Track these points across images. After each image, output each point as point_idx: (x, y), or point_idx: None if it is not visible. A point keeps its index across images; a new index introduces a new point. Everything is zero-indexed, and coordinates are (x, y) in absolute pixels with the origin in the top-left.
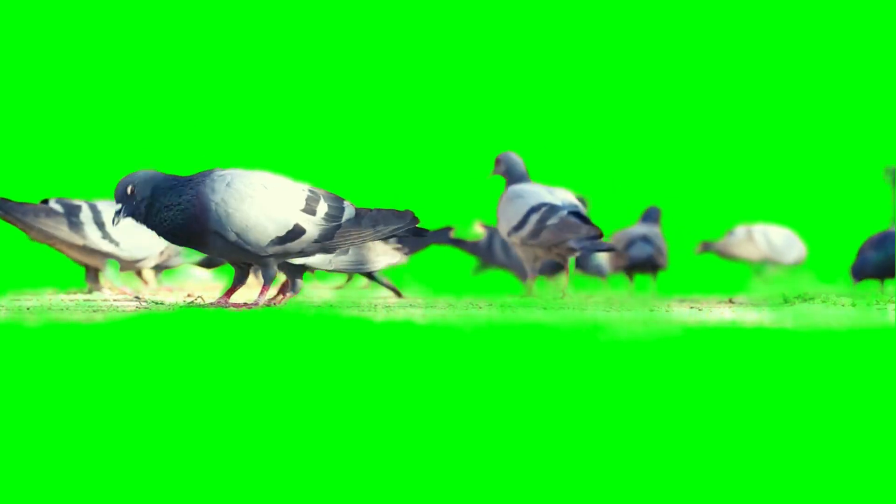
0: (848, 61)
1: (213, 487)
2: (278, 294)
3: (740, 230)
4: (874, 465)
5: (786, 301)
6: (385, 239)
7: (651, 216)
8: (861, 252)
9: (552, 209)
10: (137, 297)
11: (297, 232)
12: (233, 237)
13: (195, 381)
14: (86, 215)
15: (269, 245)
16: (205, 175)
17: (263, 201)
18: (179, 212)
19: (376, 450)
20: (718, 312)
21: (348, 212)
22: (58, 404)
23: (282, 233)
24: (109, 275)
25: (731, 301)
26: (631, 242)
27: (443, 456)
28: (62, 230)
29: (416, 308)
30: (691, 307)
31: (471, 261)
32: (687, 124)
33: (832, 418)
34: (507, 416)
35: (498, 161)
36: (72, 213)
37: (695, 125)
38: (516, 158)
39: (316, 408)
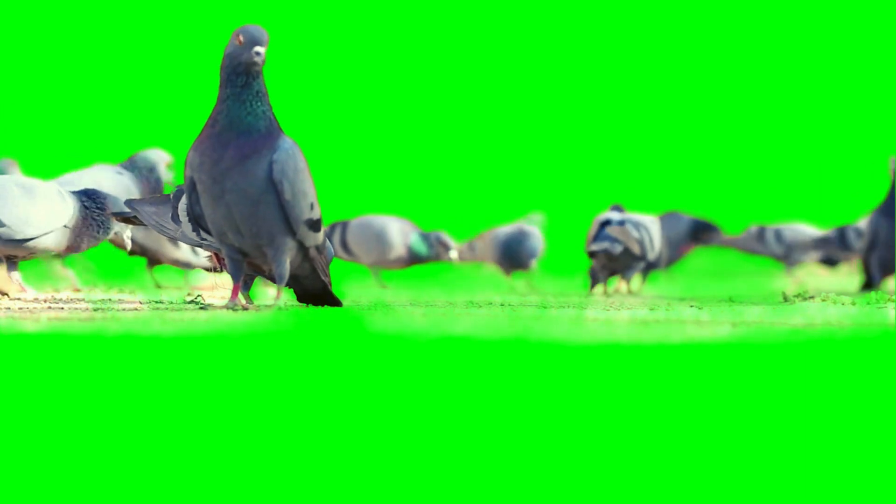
0: (863, 57)
1: (210, 489)
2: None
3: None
4: (874, 471)
5: (786, 300)
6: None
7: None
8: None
9: None
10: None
11: (318, 224)
12: (287, 196)
13: (197, 383)
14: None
15: (301, 224)
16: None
17: (311, 178)
18: (263, 112)
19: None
20: (718, 311)
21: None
22: (61, 405)
23: (314, 217)
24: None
25: (730, 300)
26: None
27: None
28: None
29: (416, 307)
30: (691, 306)
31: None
32: (699, 123)
33: (831, 421)
34: (500, 423)
35: None
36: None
37: (707, 124)
38: None
39: (317, 409)
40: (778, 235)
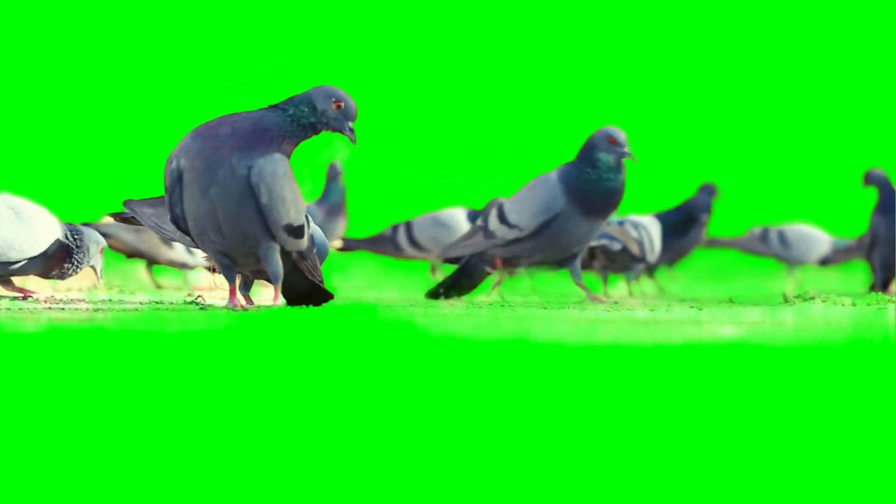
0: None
1: (210, 488)
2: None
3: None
4: (874, 472)
5: (786, 301)
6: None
7: None
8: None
9: None
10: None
11: (300, 231)
12: (264, 199)
13: (198, 382)
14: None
15: (280, 229)
16: None
17: (295, 185)
18: (286, 137)
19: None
20: (718, 311)
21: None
22: (61, 406)
23: (294, 223)
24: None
25: (730, 300)
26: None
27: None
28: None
29: (417, 307)
30: (691, 307)
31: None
32: (703, 125)
33: (831, 422)
34: (497, 425)
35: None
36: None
37: (711, 126)
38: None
39: (316, 408)
40: (781, 237)
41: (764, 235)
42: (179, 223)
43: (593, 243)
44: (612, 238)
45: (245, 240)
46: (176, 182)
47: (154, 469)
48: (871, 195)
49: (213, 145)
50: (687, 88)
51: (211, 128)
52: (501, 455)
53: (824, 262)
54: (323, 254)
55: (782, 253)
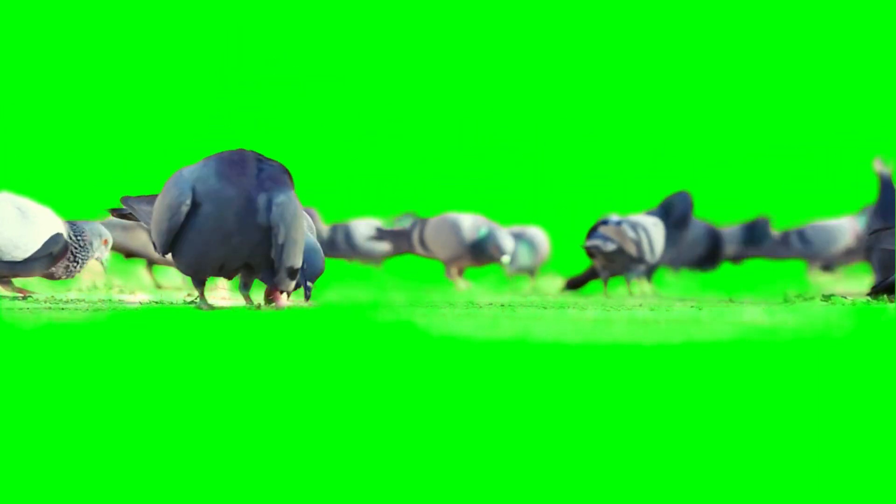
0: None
1: (213, 490)
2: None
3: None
4: (873, 471)
5: (786, 300)
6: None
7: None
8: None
9: None
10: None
11: (295, 273)
12: (280, 240)
13: (196, 382)
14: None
15: (283, 269)
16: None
17: (304, 227)
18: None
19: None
20: (718, 311)
21: None
22: (59, 406)
23: (295, 266)
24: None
25: (730, 300)
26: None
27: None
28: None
29: (416, 307)
30: (692, 306)
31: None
32: (710, 125)
33: (830, 421)
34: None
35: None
36: None
37: (718, 126)
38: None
39: (314, 408)
40: (801, 237)
41: (785, 239)
42: (165, 249)
43: (586, 244)
44: (607, 238)
45: (244, 267)
46: (182, 219)
47: (153, 469)
48: (870, 194)
49: (246, 194)
50: (687, 89)
51: (237, 170)
52: (502, 456)
53: (827, 267)
54: (318, 268)
55: (803, 251)
